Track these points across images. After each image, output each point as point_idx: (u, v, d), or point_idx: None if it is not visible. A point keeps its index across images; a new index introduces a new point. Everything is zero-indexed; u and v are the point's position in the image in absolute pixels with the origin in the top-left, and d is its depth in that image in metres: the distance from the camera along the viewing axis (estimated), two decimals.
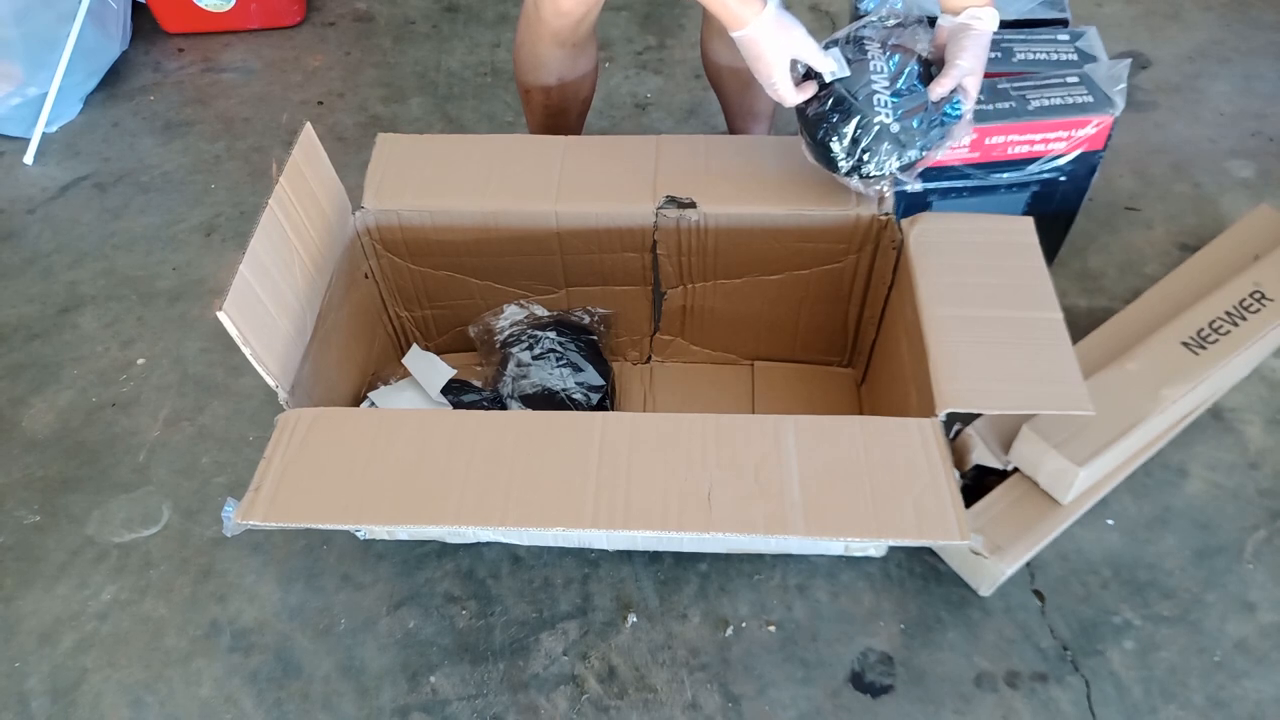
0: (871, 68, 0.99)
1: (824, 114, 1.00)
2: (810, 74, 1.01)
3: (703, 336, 1.28)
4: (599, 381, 1.19)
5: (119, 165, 1.71)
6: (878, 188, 1.05)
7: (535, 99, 1.36)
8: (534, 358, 1.18)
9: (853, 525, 0.83)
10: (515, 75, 1.37)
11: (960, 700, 1.02)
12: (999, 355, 0.92)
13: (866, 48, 1.01)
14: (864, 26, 1.03)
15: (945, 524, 0.83)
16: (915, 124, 0.99)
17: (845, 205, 1.08)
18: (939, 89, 0.99)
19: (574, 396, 1.17)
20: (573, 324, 1.22)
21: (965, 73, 0.99)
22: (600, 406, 1.18)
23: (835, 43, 1.02)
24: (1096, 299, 1.39)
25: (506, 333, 1.21)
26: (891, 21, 1.03)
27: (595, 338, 1.23)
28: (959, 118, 1.01)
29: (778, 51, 0.98)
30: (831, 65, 0.99)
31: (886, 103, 0.98)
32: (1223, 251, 1.32)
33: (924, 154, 1.02)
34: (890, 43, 1.01)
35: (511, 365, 1.18)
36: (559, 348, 1.19)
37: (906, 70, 1.00)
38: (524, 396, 1.16)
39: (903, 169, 1.02)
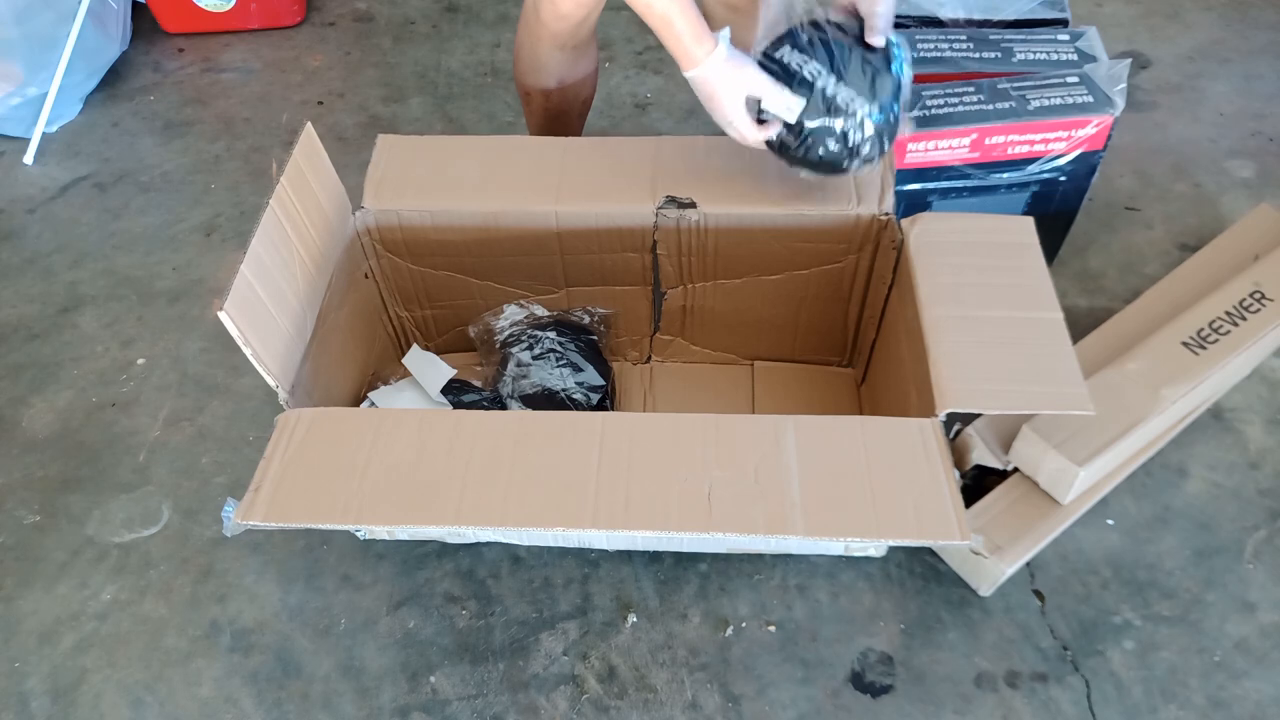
0: (811, 72, 0.98)
1: (803, 134, 0.99)
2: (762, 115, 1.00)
3: (703, 336, 1.28)
4: (599, 381, 1.19)
5: (119, 165, 1.71)
6: (873, 165, 1.04)
7: (535, 102, 1.36)
8: (534, 358, 1.18)
9: (853, 525, 0.83)
10: (515, 77, 1.37)
11: (960, 700, 1.02)
12: (999, 355, 0.92)
13: (796, 60, 0.99)
14: (777, 47, 1.00)
15: (945, 524, 0.83)
16: (877, 93, 0.98)
17: (845, 205, 1.08)
18: (876, 39, 0.97)
19: (574, 396, 1.17)
20: (573, 324, 1.22)
21: (887, 16, 0.97)
22: (600, 406, 1.18)
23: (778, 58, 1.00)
24: (1097, 299, 1.39)
25: (506, 333, 1.21)
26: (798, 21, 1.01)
27: (595, 338, 1.23)
28: (901, 58, 0.99)
29: (732, 90, 0.97)
30: (791, 103, 0.97)
31: (849, 96, 0.97)
32: (1223, 251, 1.32)
33: (897, 108, 1.00)
34: (809, 40, 0.99)
35: (511, 365, 1.18)
36: (559, 348, 1.19)
37: (837, 52, 0.97)
38: (524, 396, 1.16)
39: (890, 137, 1.01)
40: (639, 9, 0.96)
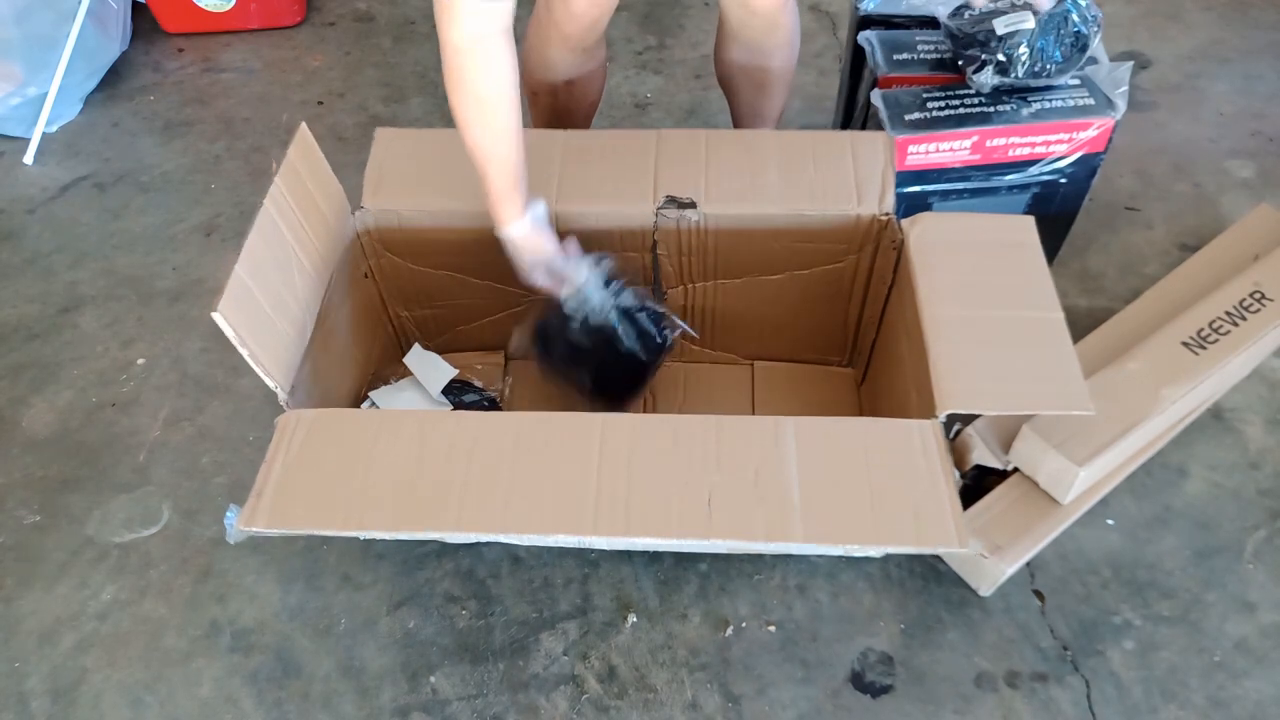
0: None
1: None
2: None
3: (703, 336, 1.28)
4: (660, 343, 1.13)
5: (119, 165, 1.71)
6: None
7: (543, 101, 1.36)
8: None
9: (851, 532, 0.83)
10: (523, 75, 1.36)
11: (960, 700, 1.02)
12: (999, 355, 0.92)
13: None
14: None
15: (944, 530, 0.83)
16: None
17: (845, 205, 1.08)
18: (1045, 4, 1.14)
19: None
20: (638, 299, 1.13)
21: None
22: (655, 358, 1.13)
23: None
24: (1097, 299, 1.39)
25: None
26: None
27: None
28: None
29: (532, 257, 1.06)
30: (581, 276, 1.06)
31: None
32: (1223, 251, 1.32)
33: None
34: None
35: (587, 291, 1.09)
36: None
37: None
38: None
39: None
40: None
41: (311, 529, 0.87)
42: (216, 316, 0.85)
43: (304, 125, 1.05)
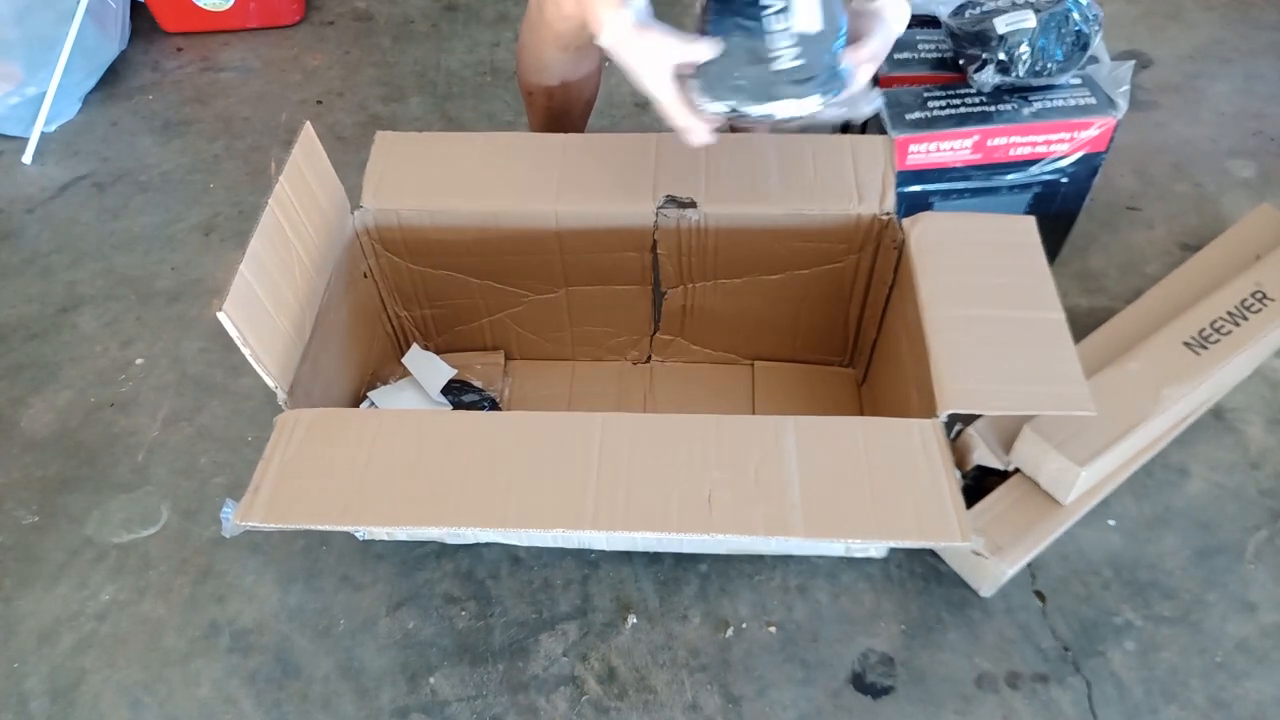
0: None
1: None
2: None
3: (703, 336, 1.28)
4: None
5: (118, 165, 1.71)
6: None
7: (538, 101, 1.36)
8: None
9: (853, 527, 0.83)
10: (518, 76, 1.37)
11: (961, 701, 1.02)
12: (1000, 355, 0.92)
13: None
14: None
15: (946, 525, 0.83)
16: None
17: (846, 205, 1.08)
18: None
19: None
20: None
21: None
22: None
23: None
24: (1097, 299, 1.39)
25: None
26: None
27: None
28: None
29: (645, 62, 0.87)
30: (709, 52, 0.84)
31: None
32: (1224, 251, 1.32)
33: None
34: None
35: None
36: None
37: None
38: None
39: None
40: None
41: (308, 524, 0.87)
42: (221, 316, 0.85)
43: (308, 125, 1.05)
